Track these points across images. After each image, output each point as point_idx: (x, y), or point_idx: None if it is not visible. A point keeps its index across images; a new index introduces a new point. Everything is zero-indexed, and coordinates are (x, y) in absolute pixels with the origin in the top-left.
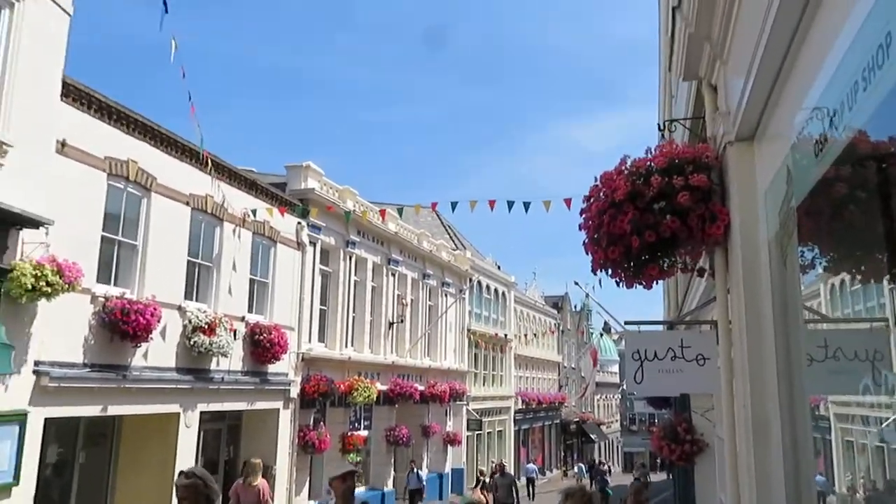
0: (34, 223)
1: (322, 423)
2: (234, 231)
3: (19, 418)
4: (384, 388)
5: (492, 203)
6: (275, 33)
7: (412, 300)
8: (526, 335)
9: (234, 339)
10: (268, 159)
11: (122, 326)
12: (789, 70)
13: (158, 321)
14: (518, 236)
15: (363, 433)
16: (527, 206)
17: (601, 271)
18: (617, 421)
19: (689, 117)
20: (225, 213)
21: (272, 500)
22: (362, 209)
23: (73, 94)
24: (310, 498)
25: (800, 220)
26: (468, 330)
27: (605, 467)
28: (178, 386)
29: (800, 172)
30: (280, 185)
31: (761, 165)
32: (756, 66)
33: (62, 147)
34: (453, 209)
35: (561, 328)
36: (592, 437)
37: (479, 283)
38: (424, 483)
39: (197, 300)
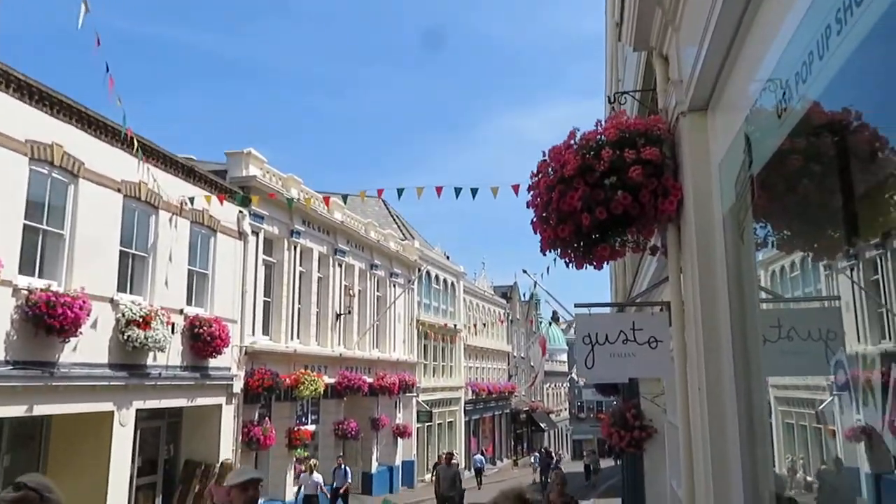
0: None
1: (267, 418)
2: (170, 220)
3: None
4: (332, 381)
5: (439, 189)
6: (216, 21)
7: (360, 291)
8: (475, 325)
9: (172, 332)
10: (212, 150)
11: (47, 321)
12: (745, 35)
13: (88, 314)
14: (467, 227)
15: (310, 427)
16: (474, 192)
17: (550, 251)
18: (566, 409)
19: (638, 89)
20: (160, 201)
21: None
22: (306, 197)
23: None
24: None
25: (755, 194)
26: (417, 321)
27: (557, 456)
28: (112, 383)
29: (757, 141)
30: (221, 173)
31: (715, 136)
32: (710, 31)
33: None
34: (399, 196)
35: (510, 318)
36: (542, 425)
37: (427, 273)
38: (349, 480)
39: (131, 292)
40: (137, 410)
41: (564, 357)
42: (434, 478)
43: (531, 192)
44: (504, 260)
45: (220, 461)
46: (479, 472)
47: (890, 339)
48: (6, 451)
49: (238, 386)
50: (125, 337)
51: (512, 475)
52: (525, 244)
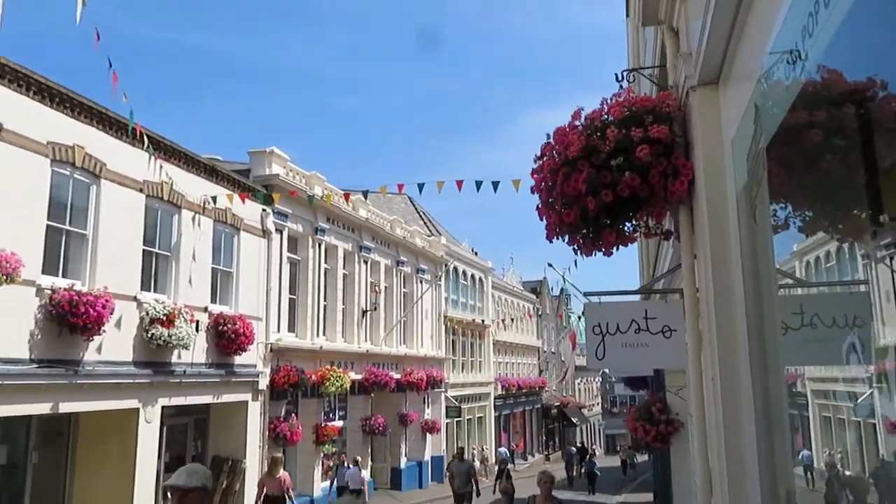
0: None
1: (294, 414)
2: (193, 219)
3: None
4: (359, 377)
5: (459, 183)
6: (241, 23)
7: (386, 287)
8: (504, 320)
9: (197, 330)
10: (238, 151)
11: (70, 319)
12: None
13: (111, 313)
14: (494, 223)
15: (338, 423)
16: (495, 185)
17: (557, 238)
18: (598, 404)
19: (651, 66)
20: (183, 201)
21: (292, 488)
22: (327, 193)
23: (8, 75)
24: (257, 498)
25: (770, 173)
26: (445, 316)
27: (593, 450)
28: (136, 380)
29: (767, 111)
30: (244, 172)
31: (727, 110)
32: None
33: None
34: (420, 190)
35: (539, 312)
36: (574, 420)
37: (455, 269)
38: (364, 480)
39: (155, 291)
40: (163, 408)
41: None
42: (448, 474)
43: (534, 177)
44: (533, 255)
45: (271, 455)
46: (503, 464)
47: None
48: (35, 447)
49: (264, 383)
50: (149, 335)
51: (547, 467)
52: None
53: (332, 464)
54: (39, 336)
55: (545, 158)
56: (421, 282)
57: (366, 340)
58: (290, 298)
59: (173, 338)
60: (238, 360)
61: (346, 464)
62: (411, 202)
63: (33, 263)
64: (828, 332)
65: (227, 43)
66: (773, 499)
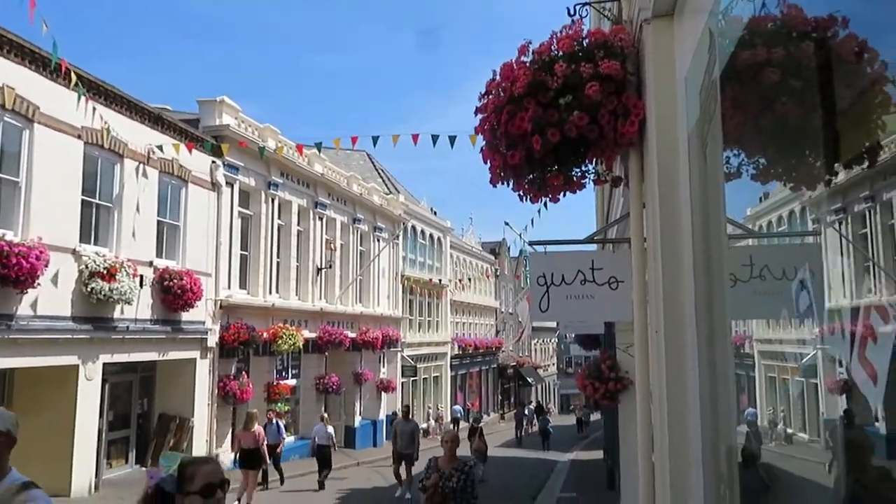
0: None
1: (245, 372)
2: (137, 169)
3: None
4: (313, 335)
5: (415, 137)
6: None
7: (342, 245)
8: (461, 280)
9: (141, 285)
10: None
11: (1, 271)
12: None
13: (46, 265)
14: (454, 185)
15: (290, 382)
16: (452, 140)
17: (502, 182)
18: (554, 364)
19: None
20: (125, 149)
21: (264, 443)
22: (279, 145)
23: None
24: (233, 449)
25: (724, 115)
26: (402, 276)
27: (548, 408)
28: (75, 336)
29: (723, 43)
30: (193, 123)
31: (681, 44)
32: None
33: None
34: (375, 143)
35: (497, 273)
36: (529, 380)
37: (413, 228)
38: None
39: (96, 243)
40: (105, 364)
41: None
42: (392, 434)
43: (478, 115)
44: (493, 217)
45: (247, 411)
46: (456, 421)
47: (875, 293)
48: None
49: (213, 340)
50: (89, 289)
51: (498, 428)
52: (512, 200)
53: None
54: None
55: (490, 96)
56: (378, 240)
57: (320, 298)
58: (241, 255)
59: (115, 292)
60: (185, 316)
61: (273, 421)
62: (370, 159)
63: None
64: (777, 286)
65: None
66: (714, 456)
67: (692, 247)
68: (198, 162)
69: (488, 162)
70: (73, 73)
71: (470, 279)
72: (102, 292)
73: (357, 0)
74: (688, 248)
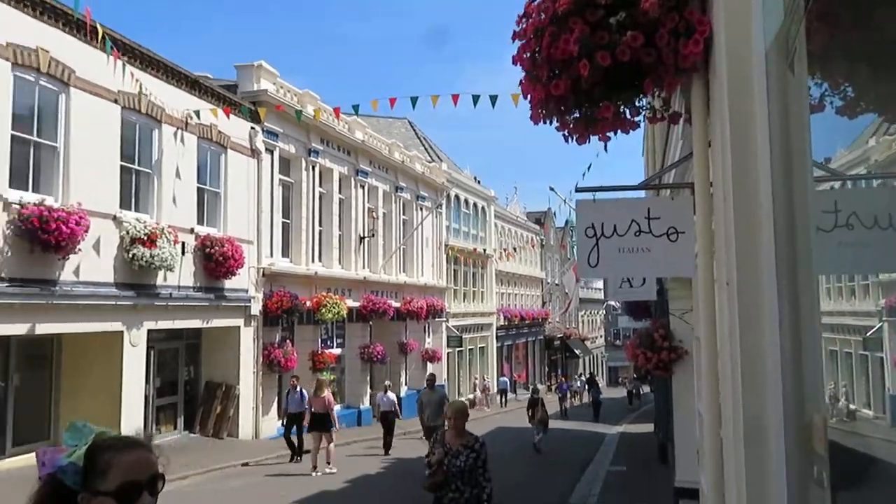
0: None
1: (289, 340)
2: (175, 135)
3: None
4: (356, 304)
5: (455, 98)
6: None
7: (384, 214)
8: (506, 250)
9: (182, 252)
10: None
11: (41, 236)
12: None
13: (86, 231)
14: (498, 155)
15: (335, 351)
16: (493, 99)
17: (544, 121)
18: (601, 336)
19: None
20: (163, 115)
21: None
22: (316, 109)
23: None
24: (280, 417)
25: (809, 32)
26: (446, 245)
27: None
28: (119, 302)
29: None
30: (231, 88)
31: None
32: None
33: None
34: (413, 105)
35: (543, 243)
36: (577, 352)
37: (456, 197)
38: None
39: (136, 210)
40: (149, 331)
41: (600, 284)
42: (418, 405)
43: (516, 41)
44: (537, 188)
45: (317, 378)
46: (503, 392)
47: None
48: (16, 369)
49: (256, 308)
50: (130, 255)
51: (546, 400)
52: (558, 170)
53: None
54: (9, 253)
55: (530, 19)
56: (421, 209)
57: (363, 267)
58: (283, 222)
59: (156, 258)
60: (228, 284)
61: (297, 388)
62: (412, 127)
63: None
64: (867, 236)
65: None
66: (800, 432)
67: (771, 190)
68: (237, 128)
69: (528, 96)
70: (98, 28)
71: (515, 248)
72: (144, 258)
73: None
74: (765, 192)
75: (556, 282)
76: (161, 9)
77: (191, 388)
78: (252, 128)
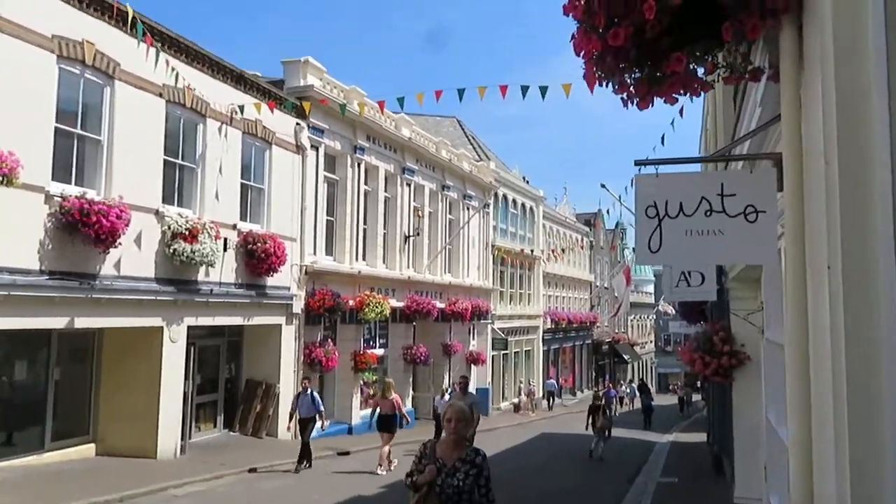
0: None
1: (331, 340)
2: (219, 129)
3: None
4: (400, 304)
5: (503, 89)
6: None
7: (430, 213)
8: (554, 251)
9: (225, 248)
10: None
11: (82, 229)
12: None
13: (127, 225)
14: (548, 157)
15: (378, 351)
16: (543, 91)
17: (601, 83)
18: (651, 342)
19: None
20: (208, 109)
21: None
22: (360, 103)
23: None
24: (289, 421)
25: None
26: (493, 246)
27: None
28: (159, 297)
29: None
30: (278, 84)
31: None
32: None
33: None
34: (460, 98)
35: (592, 245)
36: (626, 357)
37: (504, 197)
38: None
39: (179, 205)
40: (189, 327)
41: (650, 288)
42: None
43: None
44: (587, 189)
45: (384, 380)
46: (551, 396)
47: None
48: (56, 363)
49: (298, 306)
50: (171, 250)
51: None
52: (608, 172)
53: (371, 392)
54: (50, 246)
55: None
56: (468, 208)
57: (408, 267)
58: (327, 220)
59: (197, 254)
60: (270, 281)
61: (308, 390)
62: (460, 126)
63: (41, 168)
64: None
65: None
66: None
67: (890, 158)
68: (282, 124)
69: (581, 53)
70: (129, 11)
71: (563, 249)
72: (185, 254)
73: None
74: (881, 160)
75: (606, 285)
76: (208, 7)
77: (231, 386)
78: (297, 123)
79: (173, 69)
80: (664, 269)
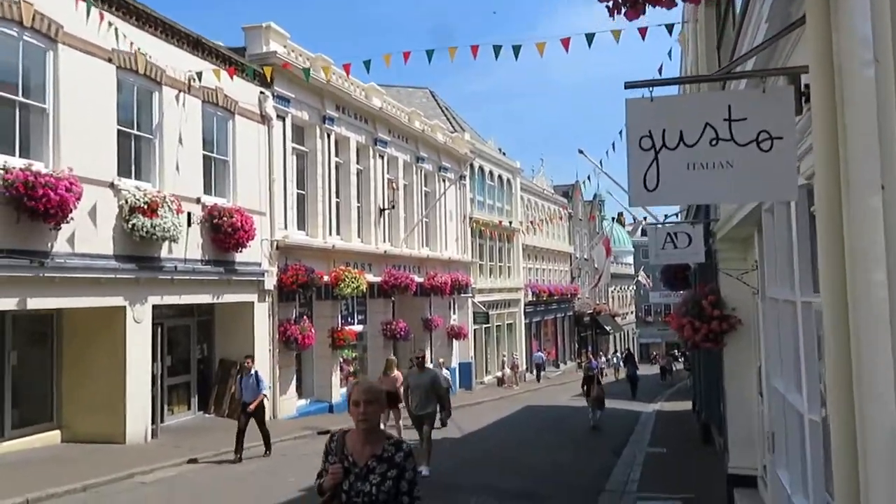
0: None
1: (306, 316)
2: (177, 98)
3: None
4: (377, 279)
5: (474, 49)
6: None
7: (405, 185)
8: (533, 222)
9: (189, 223)
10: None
11: (28, 203)
12: None
13: (78, 199)
14: (522, 130)
15: (356, 328)
16: (516, 50)
17: None
18: (632, 312)
19: None
20: (163, 76)
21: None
22: (324, 66)
23: None
24: (300, 397)
25: None
26: (470, 218)
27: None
28: (118, 276)
29: None
30: (239, 51)
31: None
32: None
33: None
34: (430, 59)
35: (571, 216)
36: (607, 328)
37: (480, 168)
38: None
39: (137, 178)
40: (155, 306)
41: (630, 259)
42: (402, 389)
43: None
44: (564, 161)
45: (387, 358)
46: (538, 367)
47: None
48: (14, 347)
49: (270, 282)
50: (130, 226)
51: (577, 376)
52: (586, 142)
53: (351, 369)
54: None
55: None
56: (444, 181)
57: (384, 241)
58: (298, 193)
59: (158, 229)
60: (239, 257)
61: (252, 372)
62: (433, 97)
63: None
64: None
65: None
66: None
67: None
68: (245, 92)
69: None
70: None
71: (542, 220)
72: (144, 229)
73: None
74: None
75: (586, 256)
76: None
77: (204, 366)
78: (261, 92)
79: (117, 30)
80: (649, 231)
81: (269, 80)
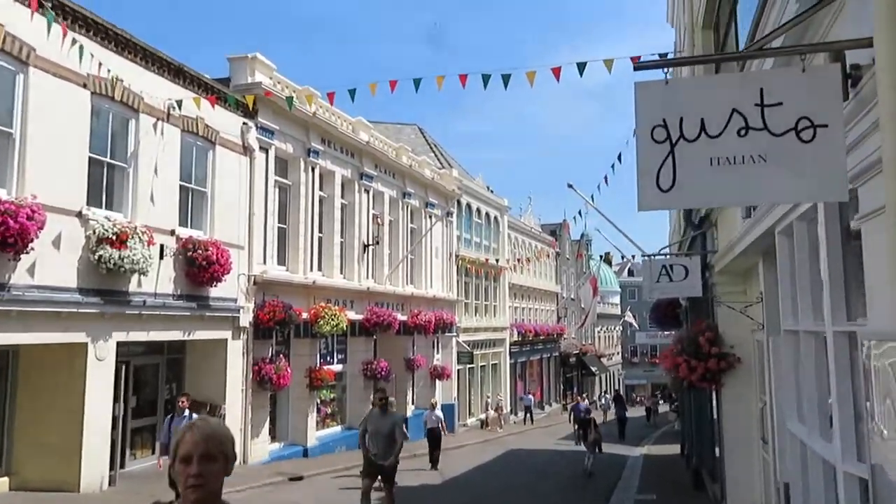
0: None
1: (283, 355)
2: (154, 126)
3: None
4: (359, 317)
5: (462, 78)
6: None
7: (391, 221)
8: (520, 260)
9: (161, 255)
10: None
11: None
12: None
13: (40, 227)
14: (512, 172)
15: (336, 367)
16: (506, 79)
17: None
18: (618, 353)
19: None
20: (141, 103)
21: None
22: (308, 95)
23: None
24: (273, 440)
25: None
26: (456, 256)
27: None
28: (81, 310)
29: None
30: (224, 82)
31: None
32: None
33: None
34: (417, 87)
35: (558, 254)
36: (593, 369)
37: (468, 206)
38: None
39: (108, 207)
40: (120, 343)
41: (616, 299)
42: (360, 433)
43: None
44: (552, 202)
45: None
46: (528, 409)
47: None
48: None
49: (246, 319)
50: (97, 257)
51: (562, 419)
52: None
53: (329, 410)
54: None
55: None
56: (430, 217)
57: (367, 278)
58: (279, 227)
59: (126, 261)
60: (214, 292)
61: (184, 412)
62: (421, 133)
63: None
64: None
65: None
66: None
67: None
68: (227, 122)
69: None
70: None
71: (528, 259)
72: (112, 260)
73: None
74: None
75: (573, 296)
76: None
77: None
78: (244, 123)
79: (92, 55)
80: (643, 264)
81: (251, 109)
